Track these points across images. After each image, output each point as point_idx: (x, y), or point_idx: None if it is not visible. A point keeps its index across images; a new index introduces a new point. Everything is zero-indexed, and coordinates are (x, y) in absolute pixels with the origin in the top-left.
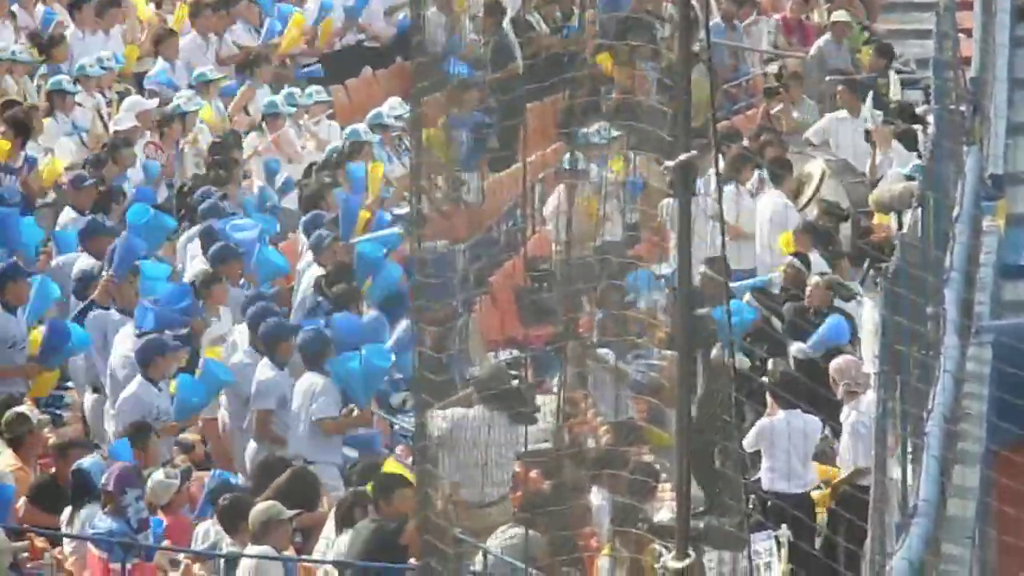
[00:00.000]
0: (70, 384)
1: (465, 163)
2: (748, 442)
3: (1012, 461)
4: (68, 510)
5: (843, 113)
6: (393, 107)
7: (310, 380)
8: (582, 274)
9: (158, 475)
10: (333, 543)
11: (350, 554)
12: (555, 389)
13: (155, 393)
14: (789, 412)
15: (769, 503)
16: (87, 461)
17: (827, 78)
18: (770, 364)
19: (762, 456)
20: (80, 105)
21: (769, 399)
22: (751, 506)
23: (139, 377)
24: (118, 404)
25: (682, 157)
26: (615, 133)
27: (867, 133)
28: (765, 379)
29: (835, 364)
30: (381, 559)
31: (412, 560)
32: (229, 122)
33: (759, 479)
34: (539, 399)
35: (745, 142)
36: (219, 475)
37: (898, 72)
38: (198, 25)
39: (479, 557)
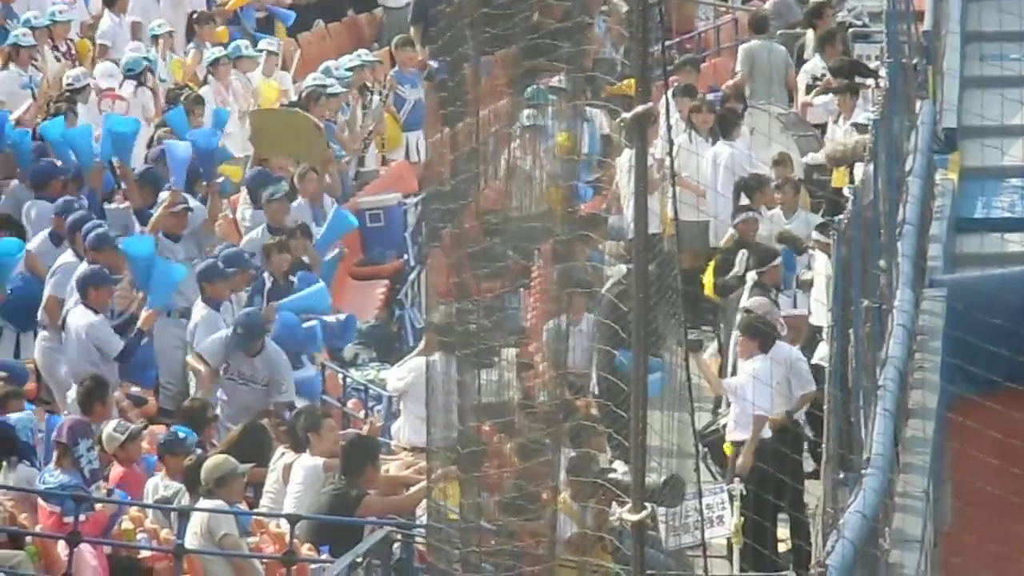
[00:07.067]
0: None
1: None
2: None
3: (967, 412)
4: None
5: None
6: (343, 62)
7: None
8: (534, 228)
9: (107, 429)
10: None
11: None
12: (510, 341)
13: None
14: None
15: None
16: (15, 416)
17: (779, 32)
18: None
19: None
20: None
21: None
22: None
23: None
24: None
25: (639, 108)
26: (567, 85)
27: (807, 87)
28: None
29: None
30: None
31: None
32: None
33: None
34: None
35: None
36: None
37: (851, 26)
38: None
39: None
